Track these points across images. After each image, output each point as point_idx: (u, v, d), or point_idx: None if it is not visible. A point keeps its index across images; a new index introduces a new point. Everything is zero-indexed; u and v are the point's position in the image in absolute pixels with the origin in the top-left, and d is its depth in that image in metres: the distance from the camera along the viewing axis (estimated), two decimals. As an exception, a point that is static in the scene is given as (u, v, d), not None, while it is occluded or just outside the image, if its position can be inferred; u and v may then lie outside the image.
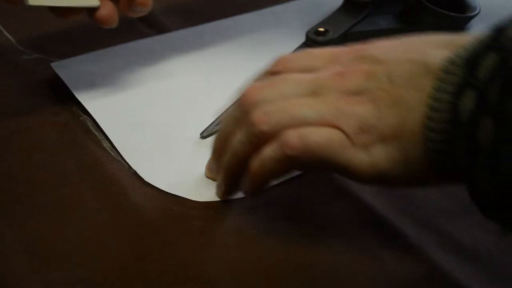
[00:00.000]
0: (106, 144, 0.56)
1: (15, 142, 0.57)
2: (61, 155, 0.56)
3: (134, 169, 0.54)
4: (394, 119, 0.44)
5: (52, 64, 0.63)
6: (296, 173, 0.53)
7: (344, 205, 0.51)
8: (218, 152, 0.51)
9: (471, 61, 0.42)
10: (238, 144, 0.48)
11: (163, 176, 0.54)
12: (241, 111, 0.48)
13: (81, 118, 0.59)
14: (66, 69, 0.63)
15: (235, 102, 0.50)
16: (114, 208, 0.51)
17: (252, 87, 0.48)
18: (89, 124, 0.58)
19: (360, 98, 0.45)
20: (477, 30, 0.66)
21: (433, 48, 0.45)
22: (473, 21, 0.68)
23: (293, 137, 0.45)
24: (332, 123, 0.45)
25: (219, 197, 0.51)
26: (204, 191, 0.52)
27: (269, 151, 0.46)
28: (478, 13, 0.67)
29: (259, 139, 0.46)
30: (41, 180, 0.53)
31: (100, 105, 0.60)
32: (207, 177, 0.53)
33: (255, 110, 0.47)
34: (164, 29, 0.69)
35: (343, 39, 0.65)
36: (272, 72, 0.49)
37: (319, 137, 0.45)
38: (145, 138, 0.57)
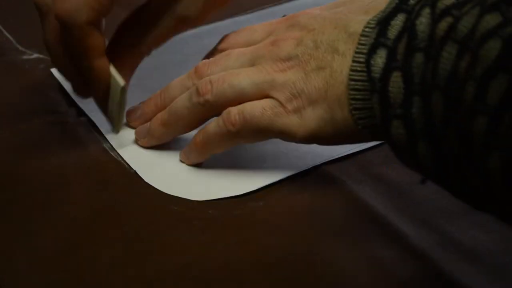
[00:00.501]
0: (106, 144, 0.56)
1: (15, 142, 0.57)
2: (61, 155, 0.56)
3: (134, 169, 0.54)
4: (320, 82, 0.49)
5: (51, 67, 0.63)
6: (295, 172, 0.53)
7: (344, 205, 0.51)
8: (155, 107, 0.56)
9: (383, 23, 0.46)
10: (182, 108, 0.53)
11: (162, 176, 0.54)
12: (191, 83, 0.54)
13: (81, 118, 0.59)
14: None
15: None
16: (114, 208, 0.51)
17: (201, 64, 0.54)
18: (89, 124, 0.58)
19: (290, 64, 0.50)
20: None
21: (356, 14, 0.50)
22: None
23: (234, 114, 0.51)
24: (266, 93, 0.51)
25: (142, 142, 0.56)
26: (204, 191, 0.52)
27: (213, 127, 0.52)
28: None
29: (204, 108, 0.52)
30: (41, 180, 0.53)
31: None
32: (128, 121, 0.57)
33: (202, 80, 0.53)
34: (164, 30, 0.69)
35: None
36: (220, 50, 0.56)
37: (254, 109, 0.50)
38: (145, 138, 0.57)
